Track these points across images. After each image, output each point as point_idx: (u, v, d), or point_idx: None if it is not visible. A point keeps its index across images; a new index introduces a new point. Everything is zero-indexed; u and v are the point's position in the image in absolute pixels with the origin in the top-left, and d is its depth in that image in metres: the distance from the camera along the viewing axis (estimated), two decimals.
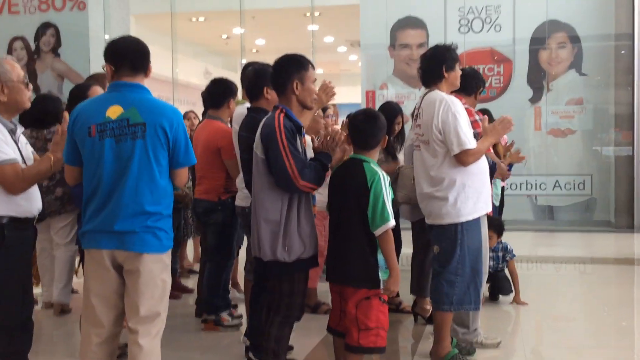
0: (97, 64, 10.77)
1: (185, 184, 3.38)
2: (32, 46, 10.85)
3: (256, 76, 4.17)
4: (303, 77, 3.48)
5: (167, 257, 3.17)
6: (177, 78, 12.22)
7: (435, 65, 4.11)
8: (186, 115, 7.16)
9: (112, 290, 3.13)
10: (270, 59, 3.88)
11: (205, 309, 4.98)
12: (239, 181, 4.44)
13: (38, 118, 5.11)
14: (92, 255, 3.14)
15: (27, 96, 3.38)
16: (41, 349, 4.56)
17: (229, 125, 4.95)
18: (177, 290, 6.05)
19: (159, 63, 12.32)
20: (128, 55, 3.12)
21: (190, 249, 7.48)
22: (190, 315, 5.36)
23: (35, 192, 3.38)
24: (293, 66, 3.50)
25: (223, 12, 11.99)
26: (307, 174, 3.33)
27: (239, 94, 5.07)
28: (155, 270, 3.08)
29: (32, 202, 3.34)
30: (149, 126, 3.02)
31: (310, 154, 3.64)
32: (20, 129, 3.42)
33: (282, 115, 3.42)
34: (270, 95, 4.01)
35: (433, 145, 3.97)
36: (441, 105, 3.94)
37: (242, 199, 4.42)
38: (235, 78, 5.12)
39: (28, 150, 3.46)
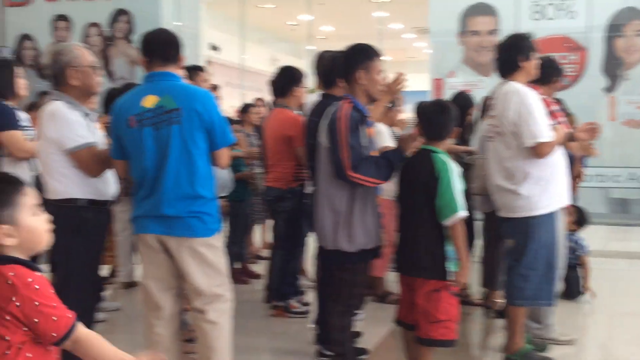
0: None
1: (227, 166, 3.39)
2: (107, 32, 11.09)
3: (332, 64, 4.17)
4: (368, 67, 3.47)
5: (215, 240, 3.22)
6: (245, 64, 12.32)
7: (511, 54, 4.02)
8: (255, 103, 7.22)
9: (165, 272, 3.22)
10: (336, 46, 3.88)
11: (275, 296, 5.04)
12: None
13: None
14: (143, 239, 3.24)
15: (97, 81, 3.48)
16: (120, 328, 4.72)
17: (299, 112, 4.99)
18: (246, 275, 6.14)
19: (227, 50, 12.46)
20: (158, 47, 3.23)
21: (259, 235, 7.55)
22: (258, 301, 5.42)
23: (111, 176, 3.50)
24: (359, 56, 3.49)
25: None
26: (363, 167, 3.31)
27: (312, 82, 5.09)
28: (205, 253, 3.15)
29: (108, 185, 3.46)
30: (184, 111, 3.08)
31: (381, 143, 3.63)
32: (94, 115, 3.53)
33: (348, 105, 3.42)
34: (343, 84, 4.02)
35: (507, 137, 3.89)
36: (515, 96, 3.85)
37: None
38: (300, 65, 5.14)
39: (100, 135, 3.57)
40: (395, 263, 3.66)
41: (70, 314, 1.83)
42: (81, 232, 3.24)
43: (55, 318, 1.79)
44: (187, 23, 11.08)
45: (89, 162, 3.30)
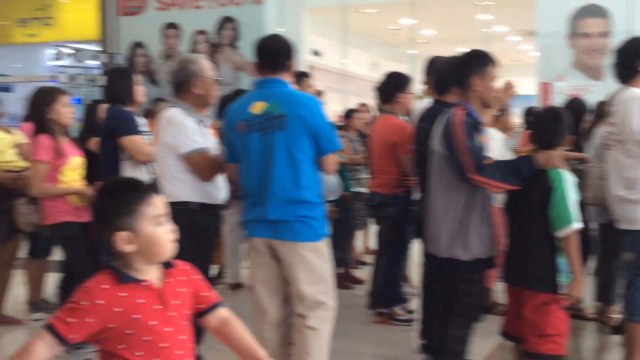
0: None
1: (334, 172, 3.38)
2: (214, 39, 11.41)
3: (446, 70, 4.11)
4: (484, 73, 3.38)
5: (322, 245, 3.22)
6: (346, 69, 12.37)
7: (630, 59, 3.83)
8: (358, 109, 7.23)
9: (272, 276, 3.26)
10: (439, 50, 3.81)
11: (379, 302, 5.02)
12: None
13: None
14: (252, 243, 3.29)
15: (215, 93, 3.61)
16: None
17: (405, 119, 4.95)
18: (348, 280, 6.15)
19: (329, 55, 12.56)
20: (269, 54, 3.26)
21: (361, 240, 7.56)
22: (361, 307, 5.41)
23: (222, 180, 3.59)
24: (474, 62, 3.41)
25: (393, 3, 11.98)
26: (489, 170, 3.22)
27: (419, 88, 5.04)
28: (311, 258, 3.16)
29: (219, 189, 3.56)
30: (289, 117, 3.11)
31: (494, 150, 3.55)
32: (207, 121, 3.65)
33: (461, 111, 3.35)
34: (457, 90, 3.94)
35: (629, 146, 3.71)
36: (636, 103, 3.67)
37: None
38: (401, 69, 5.11)
39: (213, 141, 3.67)
40: (504, 273, 3.56)
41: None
42: (193, 235, 3.33)
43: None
44: (289, 29, 11.23)
45: (201, 166, 3.40)
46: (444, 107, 3.80)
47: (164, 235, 1.89)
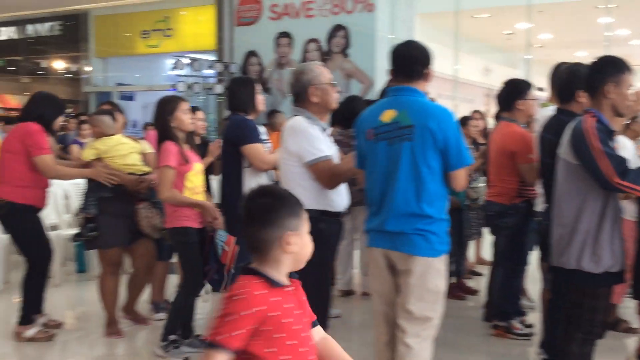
0: (382, 64, 11.14)
1: (463, 187, 3.24)
2: (325, 47, 11.53)
3: (569, 77, 3.95)
4: (619, 80, 3.20)
5: (439, 262, 3.11)
6: (458, 76, 12.18)
7: None
8: (473, 116, 7.09)
9: (389, 288, 3.20)
10: (556, 54, 3.65)
11: (496, 315, 4.89)
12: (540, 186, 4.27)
13: (346, 117, 5.38)
14: (371, 253, 3.24)
15: (334, 97, 3.60)
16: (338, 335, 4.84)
17: (526, 127, 4.81)
18: (461, 291, 6.04)
19: (441, 61, 12.40)
20: (403, 62, 3.17)
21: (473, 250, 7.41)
22: (476, 319, 5.29)
23: (344, 188, 3.60)
24: (609, 69, 3.23)
25: (508, 7, 11.70)
26: (631, 174, 3.03)
27: (537, 94, 4.89)
28: (426, 274, 3.06)
29: (341, 197, 3.56)
30: (417, 128, 3.02)
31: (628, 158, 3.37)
32: (329, 129, 3.66)
33: (592, 119, 3.20)
34: (583, 98, 3.78)
35: None
36: None
37: (542, 203, 4.25)
38: (515, 75, 4.94)
39: (335, 149, 3.68)
40: (633, 289, 3.38)
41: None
42: (316, 242, 3.34)
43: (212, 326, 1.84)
44: (400, 35, 11.18)
45: (325, 174, 3.41)
46: (568, 116, 3.66)
47: (310, 241, 1.97)
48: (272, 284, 1.86)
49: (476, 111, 7.47)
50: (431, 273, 3.08)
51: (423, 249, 3.06)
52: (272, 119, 7.88)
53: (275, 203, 1.90)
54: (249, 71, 12.29)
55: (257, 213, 1.88)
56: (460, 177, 3.11)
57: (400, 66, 3.18)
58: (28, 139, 4.57)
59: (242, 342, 1.80)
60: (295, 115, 3.55)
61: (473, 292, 6.12)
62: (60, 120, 4.88)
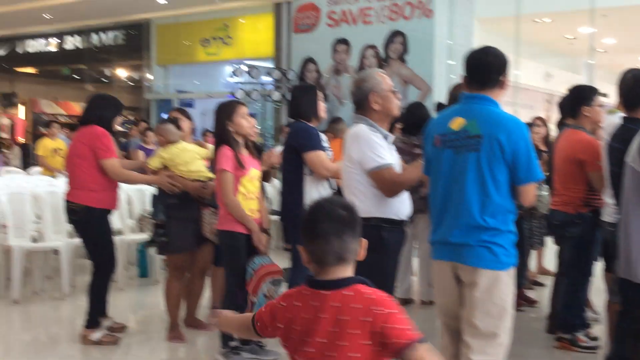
0: (440, 70, 11.05)
1: (532, 203, 3.12)
2: (382, 54, 11.50)
3: (634, 84, 3.84)
4: None
5: (506, 275, 3.01)
6: (518, 81, 11.98)
7: None
8: (534, 122, 6.96)
9: (453, 302, 3.11)
10: (619, 59, 3.53)
11: (560, 327, 4.77)
12: (608, 195, 4.15)
13: (409, 124, 5.35)
14: (436, 265, 3.17)
15: (396, 104, 3.57)
16: None
17: (592, 134, 4.69)
18: (522, 301, 5.92)
19: None
20: (476, 70, 3.07)
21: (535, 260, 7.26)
22: (539, 330, 5.18)
23: (407, 195, 3.56)
24: None
25: (571, 11, 11.44)
26: None
27: (605, 100, 4.76)
28: (492, 288, 2.97)
29: (405, 205, 3.53)
30: (485, 138, 2.92)
31: None
32: (391, 137, 3.63)
33: None
34: None
35: None
36: None
37: (609, 213, 4.13)
38: (578, 80, 4.82)
39: (396, 156, 3.65)
40: None
41: (417, 334, 1.92)
42: (379, 250, 3.30)
43: (403, 327, 1.90)
44: (459, 41, 11.07)
45: (386, 182, 3.39)
46: (635, 124, 3.56)
47: None
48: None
49: (538, 117, 7.32)
50: (498, 286, 2.98)
51: (489, 262, 2.97)
52: (333, 126, 7.91)
53: (354, 213, 1.98)
54: (306, 78, 12.36)
55: (348, 224, 1.95)
56: (529, 192, 3.00)
57: (474, 73, 3.08)
58: (96, 142, 4.67)
59: None
60: (357, 123, 3.54)
61: (534, 302, 5.99)
62: (119, 121, 4.97)
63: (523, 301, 5.92)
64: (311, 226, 1.95)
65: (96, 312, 4.81)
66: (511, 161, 2.92)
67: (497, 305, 2.99)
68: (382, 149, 3.42)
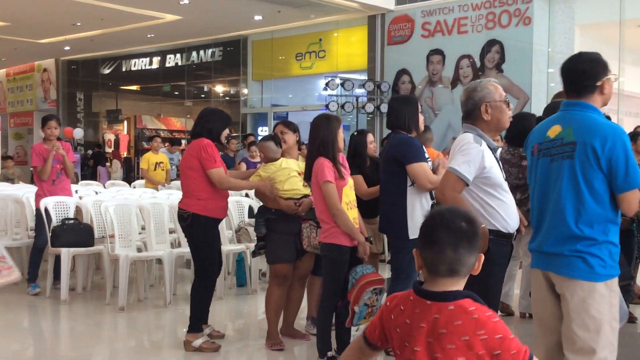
0: (539, 78, 10.76)
1: (634, 211, 2.96)
2: (478, 63, 11.32)
3: None
4: None
5: (603, 287, 2.89)
6: (623, 88, 11.51)
7: None
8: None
9: (548, 313, 3.04)
10: None
11: None
12: None
13: (515, 135, 5.24)
14: (534, 274, 3.12)
15: (508, 115, 3.49)
16: None
17: None
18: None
19: None
20: (568, 76, 3.05)
21: None
22: None
23: (515, 208, 3.48)
24: None
25: None
26: None
27: None
28: (587, 299, 2.87)
29: (513, 218, 3.44)
30: (579, 145, 2.87)
31: None
32: (499, 149, 3.56)
33: None
34: None
35: None
36: None
37: None
38: None
39: (498, 167, 3.57)
40: None
41: (525, 349, 1.86)
42: (485, 263, 3.25)
43: (514, 351, 1.84)
44: (559, 49, 10.76)
45: (449, 184, 3.35)
46: None
47: None
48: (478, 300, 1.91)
49: None
50: (593, 298, 2.88)
51: (582, 272, 2.88)
52: (421, 135, 7.83)
53: (475, 227, 1.91)
54: (399, 89, 12.33)
55: (466, 237, 1.89)
56: (630, 200, 2.88)
57: (568, 82, 3.06)
58: (201, 153, 4.87)
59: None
60: (465, 132, 3.49)
61: (634, 319, 5.68)
62: (226, 133, 5.15)
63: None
64: (428, 233, 1.91)
65: (197, 318, 4.95)
66: (607, 169, 2.85)
67: (594, 318, 2.89)
68: (472, 163, 3.33)
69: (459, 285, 1.91)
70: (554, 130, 3.02)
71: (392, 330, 1.97)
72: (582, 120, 2.96)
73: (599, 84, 2.99)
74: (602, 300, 2.90)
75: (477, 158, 3.34)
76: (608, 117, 5.62)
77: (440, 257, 1.87)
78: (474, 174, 3.34)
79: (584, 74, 3.00)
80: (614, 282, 2.94)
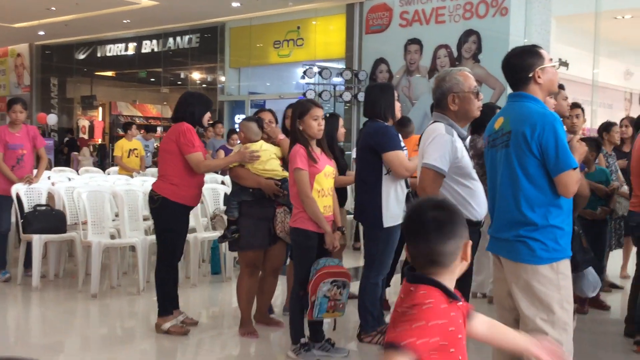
0: None
1: (573, 194, 2.99)
2: (455, 53, 11.36)
3: None
4: None
5: (549, 270, 2.95)
6: (597, 80, 11.62)
7: None
8: (621, 123, 6.74)
9: (505, 293, 3.11)
10: None
11: (639, 330, 4.59)
12: None
13: (477, 125, 5.27)
14: (492, 257, 3.21)
15: (477, 106, 3.51)
16: None
17: None
18: (595, 306, 5.73)
19: (577, 65, 11.89)
20: (504, 71, 3.14)
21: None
22: (615, 334, 5.01)
23: (483, 197, 3.54)
24: None
25: None
26: None
27: None
28: (531, 282, 2.95)
29: (481, 206, 3.55)
30: (512, 134, 2.97)
31: None
32: (468, 137, 3.58)
33: None
34: None
35: None
36: None
37: None
38: None
39: (468, 157, 3.61)
40: None
41: (411, 346, 1.74)
42: None
43: (399, 329, 1.77)
44: (535, 39, 10.82)
45: (427, 182, 3.41)
46: None
47: None
48: (451, 297, 1.82)
49: (626, 117, 7.13)
50: (538, 281, 2.94)
51: (525, 256, 2.96)
52: (401, 128, 7.84)
53: (447, 215, 1.85)
54: (377, 78, 12.33)
55: (439, 227, 1.83)
56: (565, 182, 2.92)
57: (506, 76, 3.17)
58: (180, 138, 4.87)
59: (425, 352, 1.74)
60: (436, 121, 3.51)
61: (606, 307, 5.76)
62: (208, 117, 5.15)
63: (595, 305, 5.72)
64: (405, 227, 1.91)
65: (165, 301, 4.98)
66: (539, 153, 2.92)
67: (541, 300, 2.95)
68: (445, 154, 3.38)
69: (446, 274, 1.85)
70: (499, 122, 3.13)
71: (458, 341, 1.82)
72: (517, 109, 3.06)
73: (531, 75, 3.05)
74: (548, 282, 2.96)
75: (450, 149, 3.38)
76: (577, 105, 5.69)
77: (416, 249, 1.86)
78: (448, 165, 3.39)
79: (514, 67, 3.10)
80: (562, 264, 2.99)
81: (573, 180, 2.93)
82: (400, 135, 4.56)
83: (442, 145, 3.38)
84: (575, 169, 2.92)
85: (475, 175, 3.54)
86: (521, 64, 3.07)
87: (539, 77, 3.05)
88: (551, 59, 3.13)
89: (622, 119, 6.86)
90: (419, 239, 1.84)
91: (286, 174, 4.79)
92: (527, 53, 3.10)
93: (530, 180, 2.95)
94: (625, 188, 5.54)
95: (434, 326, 1.74)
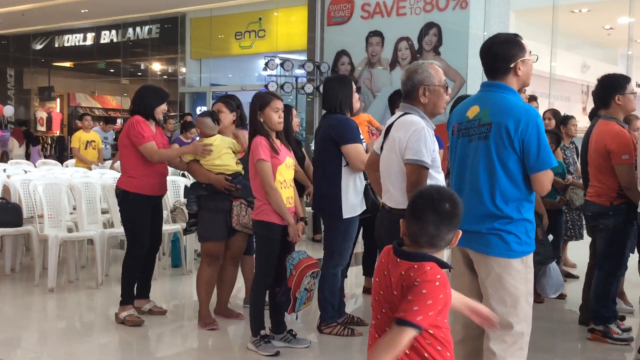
0: (475, 62, 10.92)
1: (547, 191, 3.04)
2: (416, 45, 11.42)
3: None
4: None
5: (518, 263, 2.98)
6: (555, 73, 11.81)
7: None
8: (544, 115, 6.84)
9: (466, 288, 3.07)
10: None
11: (593, 319, 4.70)
12: None
13: None
14: (452, 251, 3.19)
15: (445, 100, 3.51)
16: None
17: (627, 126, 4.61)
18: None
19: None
20: (483, 58, 3.10)
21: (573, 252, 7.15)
22: (572, 322, 5.12)
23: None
24: None
25: (609, 1, 11.26)
26: None
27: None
28: (503, 275, 2.95)
29: None
30: (494, 127, 2.92)
31: None
32: (433, 128, 3.60)
33: None
34: None
35: None
36: None
37: None
38: (616, 71, 4.72)
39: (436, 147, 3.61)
40: None
41: (423, 319, 2.02)
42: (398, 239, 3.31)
43: (415, 308, 2.01)
44: (494, 32, 10.93)
45: (415, 179, 3.35)
46: None
47: None
48: (444, 266, 2.09)
49: (548, 110, 7.28)
50: (510, 274, 2.96)
51: (499, 249, 2.96)
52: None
53: (457, 209, 2.14)
54: (339, 70, 12.33)
55: (448, 217, 2.11)
56: (542, 180, 2.95)
57: (485, 63, 3.11)
58: (130, 130, 4.96)
59: (432, 322, 2.04)
60: (409, 113, 3.47)
61: (562, 295, 5.88)
62: (162, 109, 5.18)
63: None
64: (415, 209, 2.13)
65: (125, 291, 5.02)
66: (520, 149, 2.91)
67: (511, 293, 2.97)
68: (430, 145, 3.35)
69: (437, 254, 2.12)
70: (473, 111, 3.06)
71: (448, 304, 2.11)
72: (498, 101, 3.00)
73: (512, 65, 3.02)
74: (518, 275, 2.98)
75: (430, 140, 3.37)
76: (534, 97, 5.77)
77: (423, 231, 2.10)
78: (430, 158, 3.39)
79: (497, 55, 3.04)
80: (529, 258, 3.02)
81: (549, 179, 2.98)
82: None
83: (424, 139, 3.35)
84: (553, 167, 2.96)
85: (440, 166, 3.54)
86: (504, 53, 3.02)
87: (519, 68, 3.02)
88: (530, 52, 3.08)
89: (545, 111, 6.99)
90: (429, 224, 2.09)
91: (239, 168, 4.80)
92: (511, 43, 3.04)
93: (508, 175, 2.93)
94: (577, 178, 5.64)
95: (441, 299, 2.03)
